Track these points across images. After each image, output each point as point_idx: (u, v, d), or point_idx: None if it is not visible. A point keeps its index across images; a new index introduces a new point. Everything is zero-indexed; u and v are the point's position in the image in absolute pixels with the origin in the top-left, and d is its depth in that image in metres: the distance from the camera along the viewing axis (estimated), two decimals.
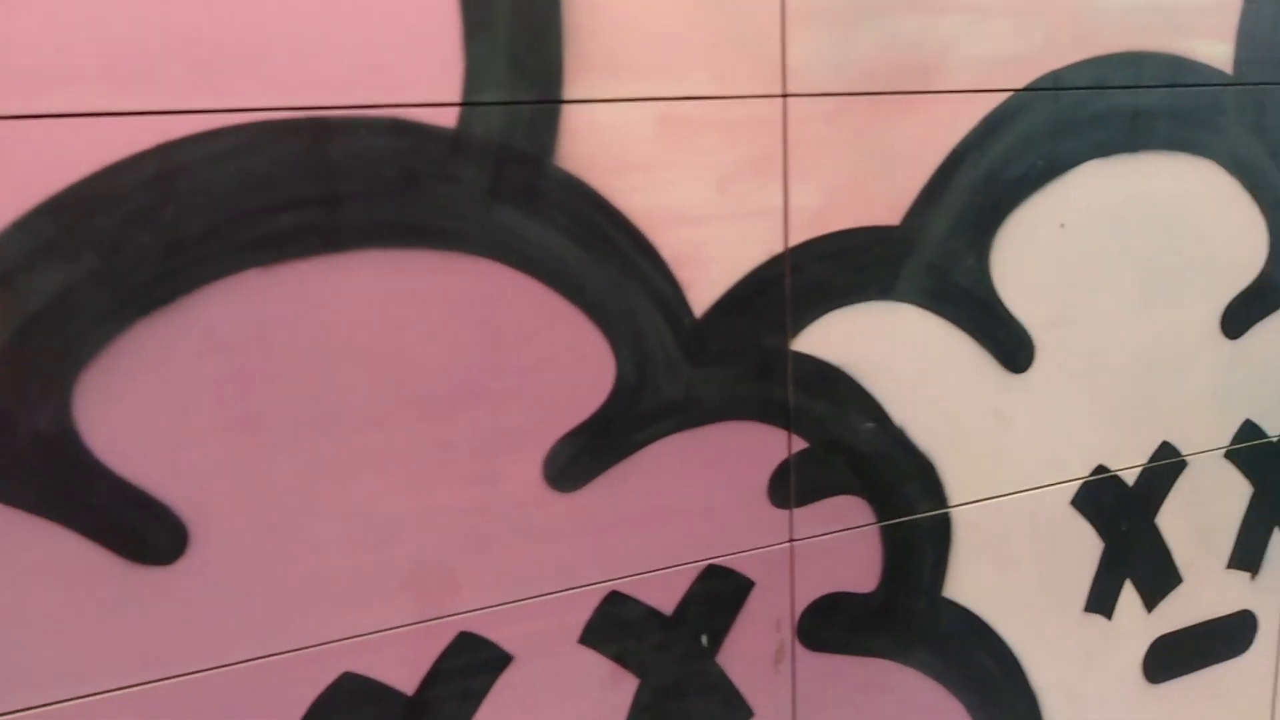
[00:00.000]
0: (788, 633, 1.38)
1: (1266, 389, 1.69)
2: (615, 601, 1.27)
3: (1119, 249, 1.50)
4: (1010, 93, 1.37)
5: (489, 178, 1.11)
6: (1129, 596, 1.65)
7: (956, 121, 1.35)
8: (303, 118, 1.02)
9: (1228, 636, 1.77)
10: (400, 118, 1.06)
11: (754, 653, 1.37)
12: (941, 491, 1.45)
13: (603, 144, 1.15)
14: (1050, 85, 1.39)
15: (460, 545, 1.18)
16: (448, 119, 1.08)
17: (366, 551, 1.13)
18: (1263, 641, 1.81)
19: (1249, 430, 1.69)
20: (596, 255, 1.17)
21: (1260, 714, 1.84)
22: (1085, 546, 1.59)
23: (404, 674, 1.17)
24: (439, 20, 1.06)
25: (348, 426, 1.09)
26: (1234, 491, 1.71)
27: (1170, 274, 1.55)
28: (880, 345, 1.36)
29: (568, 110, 1.13)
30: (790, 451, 1.33)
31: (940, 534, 1.46)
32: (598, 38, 1.13)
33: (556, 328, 1.17)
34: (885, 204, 1.33)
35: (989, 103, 1.36)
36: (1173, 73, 1.48)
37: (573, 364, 1.19)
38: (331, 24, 1.02)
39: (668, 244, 1.21)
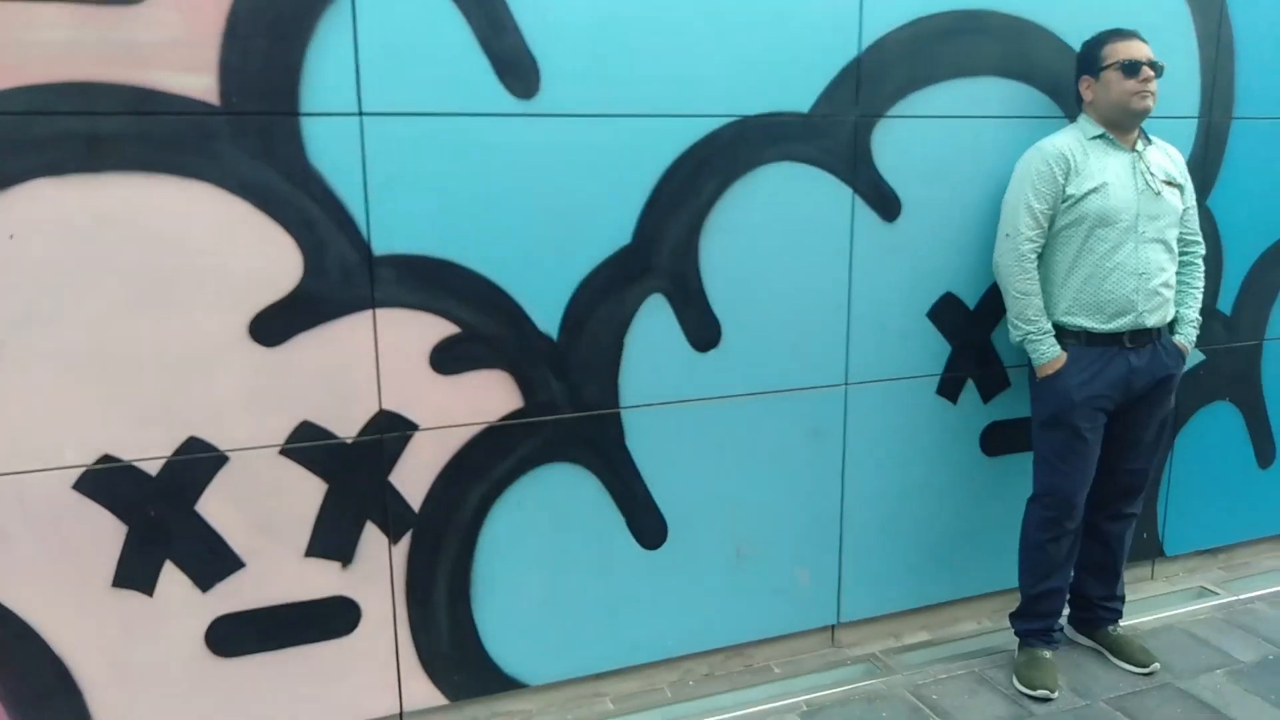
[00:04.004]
0: None
1: (324, 393, 1.84)
2: None
3: (96, 258, 1.65)
4: None
5: None
6: (174, 576, 1.81)
7: None
8: None
9: (320, 619, 1.93)
10: None
11: None
12: None
13: None
14: None
15: None
16: None
17: None
18: (373, 625, 1.97)
19: (311, 431, 1.85)
20: None
21: (386, 690, 2.01)
22: (104, 528, 1.75)
23: None
24: None
25: None
26: (302, 487, 1.86)
27: (172, 283, 1.70)
28: None
29: None
30: None
31: None
32: None
33: None
34: None
35: None
36: (136, 101, 1.62)
37: None
38: None
39: None
